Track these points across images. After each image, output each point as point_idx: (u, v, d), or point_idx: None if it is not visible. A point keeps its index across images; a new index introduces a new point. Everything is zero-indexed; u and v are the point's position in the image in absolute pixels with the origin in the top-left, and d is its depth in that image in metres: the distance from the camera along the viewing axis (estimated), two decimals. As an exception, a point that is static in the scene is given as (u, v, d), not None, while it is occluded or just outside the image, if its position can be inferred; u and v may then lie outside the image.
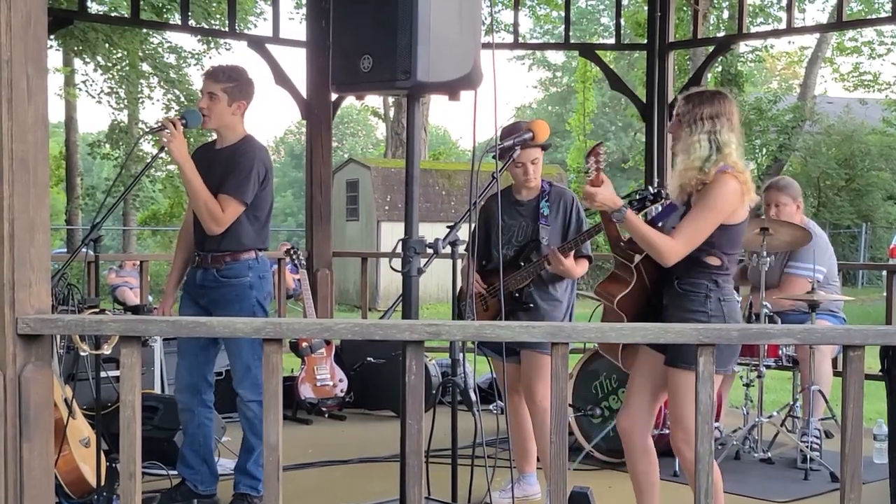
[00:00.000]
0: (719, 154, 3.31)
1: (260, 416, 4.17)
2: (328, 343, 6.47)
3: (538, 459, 4.65)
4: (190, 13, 8.29)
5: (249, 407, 4.24)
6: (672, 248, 3.27)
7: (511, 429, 4.44)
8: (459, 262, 3.56)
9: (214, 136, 4.38)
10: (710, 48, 8.40)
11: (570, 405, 5.02)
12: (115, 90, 19.50)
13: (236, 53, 47.00)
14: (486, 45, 3.09)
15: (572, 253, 4.23)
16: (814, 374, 5.15)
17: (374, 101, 28.37)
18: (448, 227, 3.57)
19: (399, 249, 3.06)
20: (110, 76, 19.30)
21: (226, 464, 4.72)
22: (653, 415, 3.62)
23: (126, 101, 19.72)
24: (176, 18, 16.30)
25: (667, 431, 5.00)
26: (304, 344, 6.39)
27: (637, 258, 3.44)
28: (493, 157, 3.61)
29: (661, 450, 5.07)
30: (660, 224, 3.47)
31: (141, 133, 18.65)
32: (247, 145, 4.22)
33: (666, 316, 3.40)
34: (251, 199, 4.16)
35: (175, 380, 4.50)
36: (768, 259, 5.14)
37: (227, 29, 9.21)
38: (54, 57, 19.81)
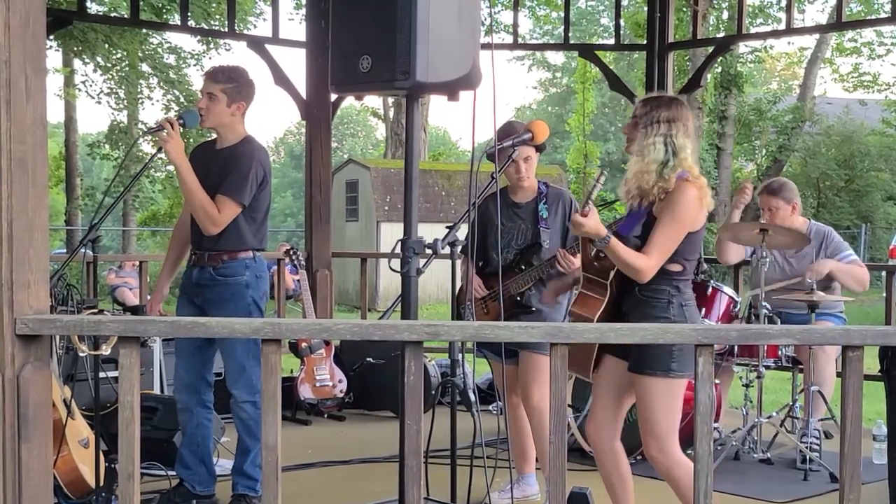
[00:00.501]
0: (676, 159, 3.34)
1: (254, 416, 4.17)
2: (327, 343, 6.47)
3: (537, 460, 4.65)
4: (189, 13, 8.29)
5: (243, 408, 4.23)
6: (648, 265, 3.31)
7: (510, 430, 4.44)
8: (458, 264, 3.56)
9: (215, 136, 4.38)
10: (710, 49, 8.40)
11: (569, 405, 5.02)
12: (114, 91, 19.50)
13: (236, 54, 47.00)
14: (486, 46, 3.09)
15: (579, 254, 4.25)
16: (816, 375, 5.16)
17: (373, 101, 28.39)
18: (447, 227, 3.57)
19: (398, 250, 3.06)
20: (110, 76, 19.30)
21: (225, 464, 4.71)
22: (619, 419, 3.61)
23: (126, 101, 19.72)
24: (175, 19, 16.30)
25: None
26: (304, 344, 6.39)
27: (612, 273, 3.43)
28: (490, 156, 3.60)
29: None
30: (625, 235, 3.46)
31: (139, 133, 18.64)
32: (246, 146, 4.21)
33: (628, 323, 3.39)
34: (249, 201, 4.16)
35: (174, 380, 4.50)
36: (768, 259, 5.15)
37: (226, 29, 9.21)
38: (54, 57, 19.83)
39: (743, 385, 5.44)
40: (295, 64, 7.60)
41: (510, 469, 4.17)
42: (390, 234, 17.35)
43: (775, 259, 5.54)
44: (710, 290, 5.30)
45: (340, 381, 6.49)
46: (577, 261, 4.20)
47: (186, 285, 4.34)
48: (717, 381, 5.20)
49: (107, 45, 17.87)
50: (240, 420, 4.27)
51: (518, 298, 4.34)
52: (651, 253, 3.30)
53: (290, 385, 6.28)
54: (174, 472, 4.44)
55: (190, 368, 4.32)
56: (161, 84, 19.48)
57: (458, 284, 3.69)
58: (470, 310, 4.39)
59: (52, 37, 12.92)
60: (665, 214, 3.33)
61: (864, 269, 5.53)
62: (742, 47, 22.52)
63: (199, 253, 4.25)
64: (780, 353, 5.26)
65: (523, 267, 4.33)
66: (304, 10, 10.57)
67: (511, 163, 4.25)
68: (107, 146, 20.67)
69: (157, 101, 19.79)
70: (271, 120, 68.96)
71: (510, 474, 4.12)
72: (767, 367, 5.27)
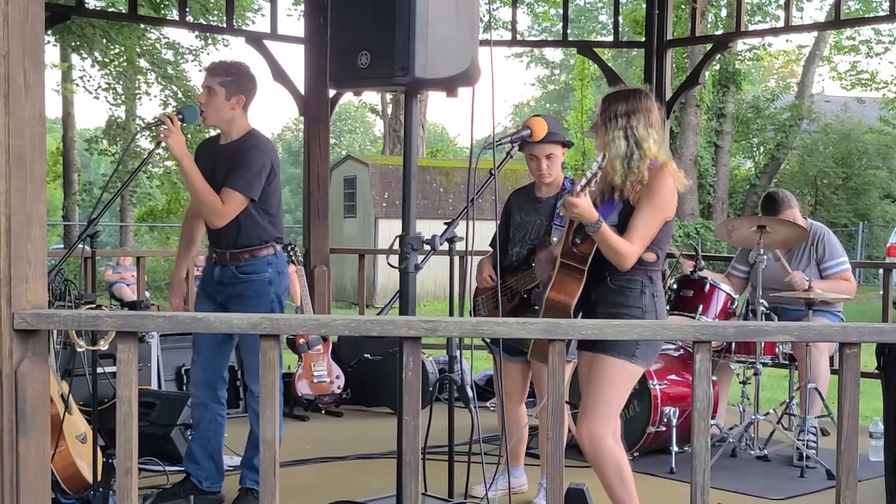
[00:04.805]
0: (640, 150, 3.36)
1: None
2: (325, 340, 6.47)
3: (533, 456, 4.66)
4: (188, 9, 8.28)
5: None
6: (633, 250, 3.33)
7: (507, 424, 4.45)
8: (458, 259, 3.57)
9: (214, 132, 4.37)
10: (708, 46, 8.38)
11: (567, 402, 5.02)
12: (112, 86, 19.47)
13: (234, 49, 47.02)
14: (484, 42, 3.09)
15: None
16: (811, 372, 5.16)
17: (372, 97, 28.41)
18: (445, 223, 3.58)
19: (396, 246, 3.06)
20: (108, 72, 19.27)
21: (226, 460, 4.71)
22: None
23: (123, 96, 19.69)
24: (174, 14, 16.22)
25: (663, 429, 5.02)
26: (302, 340, 6.39)
27: (589, 261, 3.41)
28: (492, 142, 3.61)
29: (656, 447, 5.11)
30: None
31: (137, 129, 18.60)
32: (253, 140, 4.19)
33: (596, 313, 3.41)
34: (258, 195, 4.15)
35: (190, 375, 4.51)
36: (765, 257, 5.16)
37: (224, 25, 9.20)
38: (52, 52, 19.80)
39: (740, 382, 5.45)
40: (293, 60, 7.60)
41: (507, 461, 4.19)
42: (388, 231, 17.34)
43: (768, 261, 5.55)
44: (707, 287, 5.31)
45: (338, 378, 6.49)
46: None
47: (207, 283, 4.32)
48: (714, 378, 5.20)
49: (105, 41, 17.83)
50: (256, 415, 4.26)
51: (525, 296, 4.30)
52: (633, 239, 3.33)
53: (287, 381, 6.28)
54: (172, 468, 4.44)
55: (208, 364, 4.32)
56: (159, 80, 19.44)
57: (460, 279, 3.69)
58: (480, 304, 4.41)
59: (49, 32, 12.90)
60: (644, 202, 3.36)
61: (848, 284, 5.52)
62: (740, 45, 22.53)
63: (220, 251, 4.24)
64: (777, 350, 5.26)
65: (533, 264, 4.28)
66: (302, 6, 10.56)
67: (533, 160, 4.26)
68: (104, 141, 20.64)
69: (155, 96, 19.76)
70: (269, 116, 68.90)
71: (507, 466, 4.13)
72: (764, 364, 5.27)
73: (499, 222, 4.35)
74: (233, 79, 4.15)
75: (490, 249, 4.46)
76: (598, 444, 3.35)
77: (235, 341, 4.42)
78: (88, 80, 19.54)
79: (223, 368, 4.36)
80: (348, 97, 20.83)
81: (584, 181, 3.27)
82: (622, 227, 3.36)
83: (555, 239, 4.22)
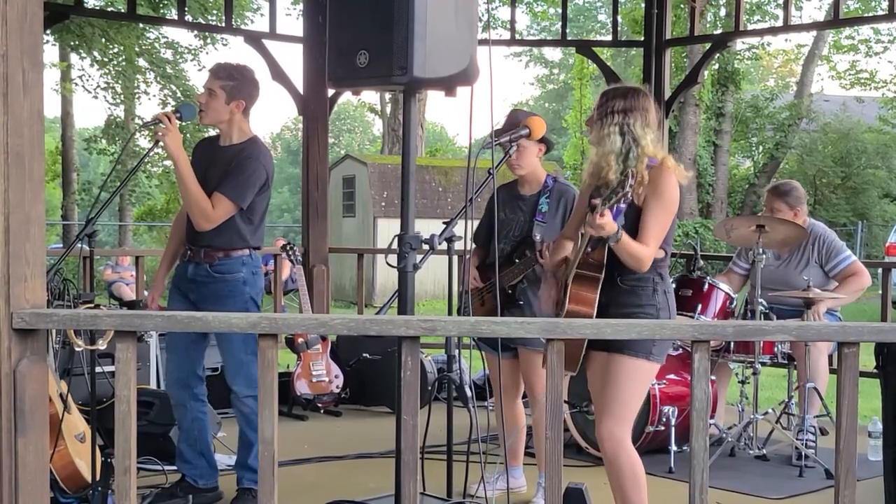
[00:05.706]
0: (638, 147, 3.36)
1: (257, 410, 4.17)
2: (324, 339, 6.47)
3: (531, 455, 4.65)
4: (187, 8, 8.28)
5: (245, 403, 4.23)
6: (649, 253, 3.33)
7: (504, 423, 4.45)
8: (457, 258, 3.57)
9: (212, 131, 4.36)
10: (707, 45, 8.38)
11: (565, 401, 5.02)
12: (111, 85, 19.47)
13: (233, 49, 47.01)
14: (483, 42, 3.10)
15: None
16: (810, 371, 5.16)
17: (370, 97, 28.38)
18: (444, 223, 3.58)
19: (395, 245, 3.06)
20: (106, 71, 19.27)
21: (222, 459, 4.72)
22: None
23: (122, 96, 19.70)
24: (173, 13, 16.25)
25: (662, 428, 5.03)
26: (300, 340, 6.39)
27: (604, 268, 3.40)
28: (490, 142, 3.61)
29: (655, 446, 5.11)
30: None
31: (136, 127, 18.58)
32: (252, 148, 4.19)
33: (608, 316, 3.38)
34: (247, 205, 4.15)
35: (165, 375, 4.50)
36: (764, 256, 5.15)
37: (223, 24, 9.21)
38: (51, 52, 19.80)
39: (739, 381, 5.45)
40: (292, 59, 7.60)
41: (505, 461, 4.19)
42: (387, 230, 17.34)
43: (768, 260, 5.54)
44: (706, 286, 5.31)
45: (337, 377, 6.49)
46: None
47: (180, 280, 4.32)
48: (712, 378, 5.21)
49: (104, 40, 17.83)
50: (242, 415, 4.27)
51: (509, 292, 4.33)
52: (648, 241, 3.33)
53: (286, 380, 6.28)
54: (171, 467, 4.44)
55: (181, 364, 4.32)
56: (158, 79, 19.44)
57: (459, 278, 3.70)
58: (466, 301, 4.41)
59: (48, 31, 12.90)
60: (652, 201, 3.35)
61: (857, 278, 5.47)
62: (739, 44, 22.53)
63: (195, 249, 4.24)
64: (775, 349, 5.26)
65: (517, 260, 4.32)
66: (301, 6, 10.56)
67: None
68: (103, 141, 20.64)
69: (154, 95, 19.76)
70: (268, 115, 68.99)
71: (506, 466, 4.14)
72: (763, 364, 5.27)
73: (492, 218, 4.35)
74: (235, 83, 4.15)
75: (474, 246, 4.46)
76: (619, 445, 3.36)
77: (209, 341, 4.41)
78: (87, 80, 19.56)
79: (197, 367, 4.35)
80: (347, 96, 20.79)
81: (608, 198, 3.17)
82: (630, 229, 3.36)
83: (538, 237, 4.24)
